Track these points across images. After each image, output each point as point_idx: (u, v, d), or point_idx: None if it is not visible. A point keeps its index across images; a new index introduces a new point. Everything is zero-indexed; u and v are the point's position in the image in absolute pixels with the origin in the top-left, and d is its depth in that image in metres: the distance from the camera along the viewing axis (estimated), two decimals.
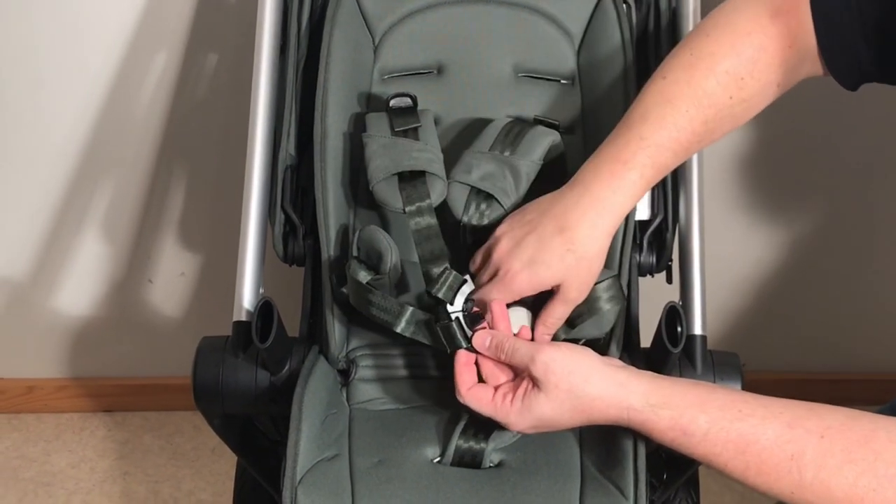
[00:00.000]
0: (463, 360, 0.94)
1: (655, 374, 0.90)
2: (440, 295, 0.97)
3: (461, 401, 0.92)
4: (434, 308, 0.99)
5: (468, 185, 1.02)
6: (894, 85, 0.98)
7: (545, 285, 0.95)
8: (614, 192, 0.94)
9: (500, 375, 0.93)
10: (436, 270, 0.99)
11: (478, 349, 0.94)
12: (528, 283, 0.94)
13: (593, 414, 0.88)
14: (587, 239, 0.94)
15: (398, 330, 0.97)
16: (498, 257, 0.96)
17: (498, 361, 0.94)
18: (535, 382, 0.89)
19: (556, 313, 0.96)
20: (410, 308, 0.97)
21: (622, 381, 0.88)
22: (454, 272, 0.98)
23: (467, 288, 0.99)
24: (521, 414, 0.90)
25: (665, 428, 0.86)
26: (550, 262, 0.94)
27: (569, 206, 0.95)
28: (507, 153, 1.04)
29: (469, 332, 0.95)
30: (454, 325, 0.95)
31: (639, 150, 0.94)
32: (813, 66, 0.97)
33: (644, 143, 0.94)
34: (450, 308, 0.98)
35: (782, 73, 0.97)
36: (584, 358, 0.90)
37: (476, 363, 0.94)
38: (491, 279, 0.97)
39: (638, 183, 0.94)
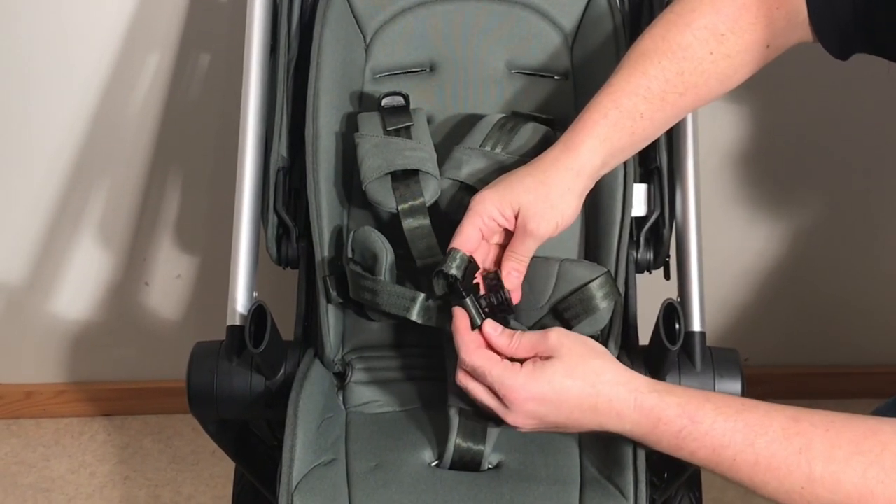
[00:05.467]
0: (464, 323, 0.91)
1: None
2: (452, 271, 0.92)
3: (467, 360, 0.88)
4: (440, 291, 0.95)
5: (458, 180, 1.02)
6: (881, 56, 0.97)
7: (504, 204, 0.93)
8: (577, 133, 0.94)
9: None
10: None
11: (487, 335, 0.91)
12: (490, 200, 0.93)
13: (602, 389, 0.86)
14: (549, 168, 0.94)
15: (413, 317, 0.95)
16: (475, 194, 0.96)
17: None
18: (546, 358, 0.88)
19: (518, 246, 0.95)
20: (422, 294, 0.95)
21: (627, 369, 0.89)
22: (461, 251, 0.94)
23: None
24: (531, 375, 0.86)
25: (674, 416, 0.84)
26: (511, 182, 0.94)
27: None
28: (498, 149, 1.03)
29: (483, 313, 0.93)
30: (469, 302, 0.92)
31: (603, 96, 0.95)
32: (804, 31, 0.97)
33: (610, 90, 0.95)
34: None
35: (770, 34, 0.96)
36: (595, 342, 0.91)
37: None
38: None
39: (601, 123, 0.94)
